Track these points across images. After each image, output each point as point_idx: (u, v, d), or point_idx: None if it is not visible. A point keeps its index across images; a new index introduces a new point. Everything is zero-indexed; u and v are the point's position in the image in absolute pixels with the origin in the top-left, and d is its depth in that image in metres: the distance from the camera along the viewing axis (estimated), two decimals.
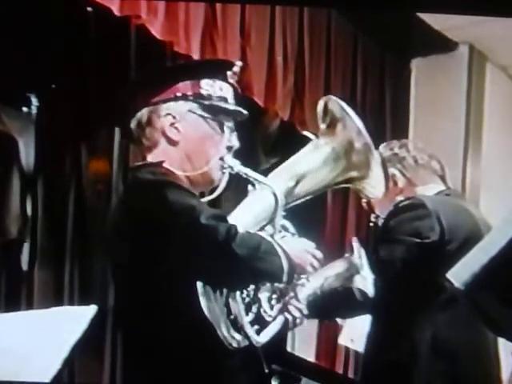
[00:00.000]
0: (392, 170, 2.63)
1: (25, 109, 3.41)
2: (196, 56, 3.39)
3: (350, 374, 4.23)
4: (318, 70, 4.08)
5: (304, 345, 4.19)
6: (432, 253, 2.42)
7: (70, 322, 1.90)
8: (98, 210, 3.50)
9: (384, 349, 2.49)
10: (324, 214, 4.35)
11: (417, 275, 2.43)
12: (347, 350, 4.29)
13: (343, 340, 3.05)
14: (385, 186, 2.28)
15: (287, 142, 4.00)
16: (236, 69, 2.13)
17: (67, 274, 3.53)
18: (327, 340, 4.36)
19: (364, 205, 2.73)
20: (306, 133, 2.69)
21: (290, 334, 4.14)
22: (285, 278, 1.96)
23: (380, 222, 2.65)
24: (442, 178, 2.67)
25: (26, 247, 3.43)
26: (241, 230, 1.92)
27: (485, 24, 4.30)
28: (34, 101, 3.39)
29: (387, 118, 4.60)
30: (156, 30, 3.27)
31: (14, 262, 3.43)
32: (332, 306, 2.58)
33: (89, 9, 3.38)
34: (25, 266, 3.43)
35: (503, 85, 4.96)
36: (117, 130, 3.46)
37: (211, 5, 3.49)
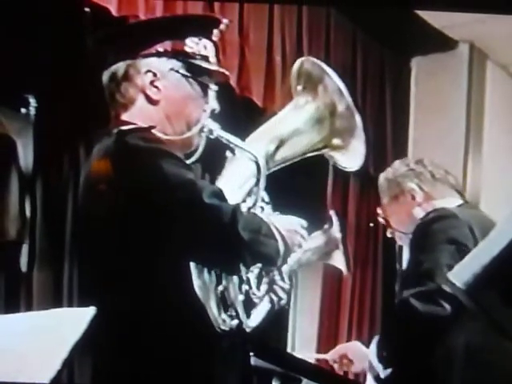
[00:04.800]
0: (410, 185, 2.62)
1: (23, 110, 3.40)
2: None
3: (351, 376, 4.21)
4: None
5: (304, 346, 4.18)
6: None
7: (70, 323, 1.87)
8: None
9: (417, 356, 2.41)
10: (323, 215, 4.32)
11: None
12: None
13: None
14: (364, 157, 2.19)
15: None
16: (223, 27, 2.01)
17: (66, 276, 3.52)
18: (328, 341, 4.35)
19: (381, 219, 2.70)
20: None
21: (290, 335, 4.14)
22: (279, 262, 1.91)
23: (403, 236, 2.61)
24: (460, 193, 2.66)
25: (24, 249, 3.42)
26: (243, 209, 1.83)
27: (485, 22, 4.29)
28: (33, 102, 3.38)
29: (387, 117, 4.59)
30: None
31: (12, 263, 3.42)
32: None
33: (86, 9, 3.37)
34: (24, 267, 3.42)
35: (504, 83, 4.94)
36: None
37: (209, 4, 3.48)
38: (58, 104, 3.47)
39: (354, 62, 4.36)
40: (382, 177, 2.71)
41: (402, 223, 2.62)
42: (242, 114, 3.48)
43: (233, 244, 1.80)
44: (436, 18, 4.36)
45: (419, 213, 2.57)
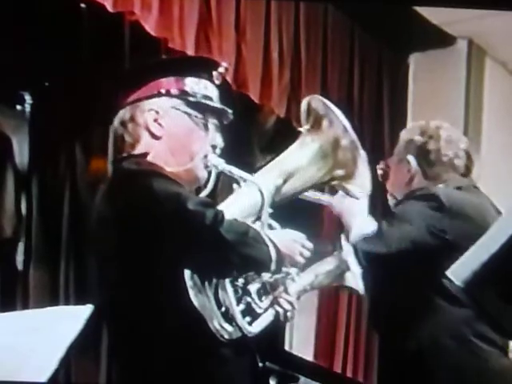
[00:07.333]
0: (410, 158, 2.60)
1: (19, 107, 3.40)
2: (191, 52, 3.37)
3: (349, 373, 4.21)
4: (315, 66, 4.06)
5: (302, 344, 4.18)
6: (444, 245, 2.38)
7: (66, 321, 1.88)
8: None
9: (403, 337, 2.45)
10: (321, 216, 4.31)
11: (430, 263, 2.38)
12: (345, 348, 4.29)
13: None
14: (370, 186, 2.27)
15: (283, 139, 3.98)
16: (221, 69, 2.11)
17: (63, 274, 3.52)
18: (325, 339, 4.34)
19: (379, 171, 2.69)
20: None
21: (287, 333, 4.13)
22: (273, 267, 1.95)
23: (392, 201, 2.64)
24: (464, 175, 2.63)
25: (20, 247, 3.43)
26: (228, 216, 1.90)
27: (484, 18, 4.29)
28: (28, 99, 3.38)
29: (385, 114, 4.58)
30: (150, 27, 3.26)
31: (9, 261, 3.42)
32: None
33: (82, 5, 3.37)
34: (20, 265, 3.43)
35: (502, 80, 4.94)
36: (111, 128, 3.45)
37: (206, 0, 3.47)
38: (54, 101, 3.47)
39: (352, 58, 4.35)
40: (403, 132, 2.74)
41: (395, 187, 2.63)
42: (239, 110, 3.47)
43: (217, 246, 1.87)
44: (434, 14, 4.35)
45: (411, 187, 2.58)
